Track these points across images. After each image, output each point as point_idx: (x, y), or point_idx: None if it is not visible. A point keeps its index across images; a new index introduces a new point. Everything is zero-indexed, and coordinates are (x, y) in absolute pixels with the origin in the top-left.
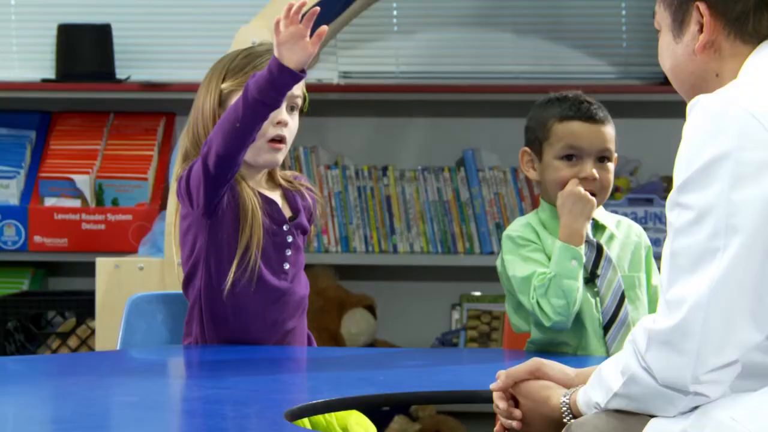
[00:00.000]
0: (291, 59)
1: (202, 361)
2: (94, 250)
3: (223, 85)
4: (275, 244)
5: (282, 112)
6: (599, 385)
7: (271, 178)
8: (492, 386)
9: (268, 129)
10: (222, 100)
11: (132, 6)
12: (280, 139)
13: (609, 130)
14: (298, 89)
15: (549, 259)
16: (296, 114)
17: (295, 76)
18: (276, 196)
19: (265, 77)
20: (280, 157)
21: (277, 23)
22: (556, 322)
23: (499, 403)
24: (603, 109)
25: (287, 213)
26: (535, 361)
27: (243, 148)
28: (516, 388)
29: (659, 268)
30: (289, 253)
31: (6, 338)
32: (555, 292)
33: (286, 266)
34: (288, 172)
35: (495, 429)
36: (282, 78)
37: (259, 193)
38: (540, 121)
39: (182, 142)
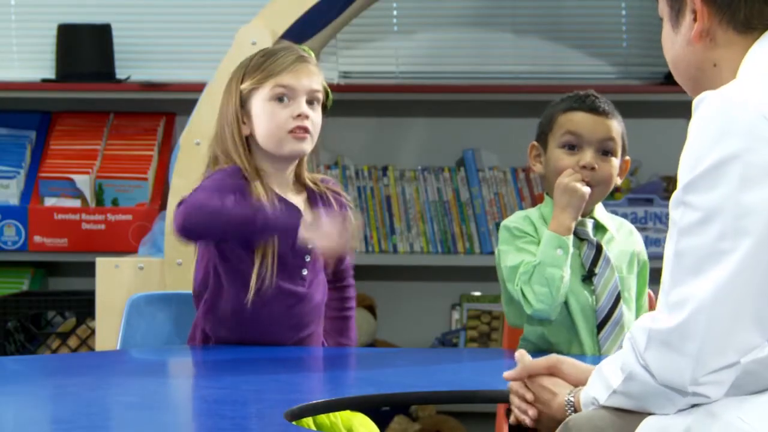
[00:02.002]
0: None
1: (202, 361)
2: (94, 250)
3: (243, 86)
4: (294, 250)
5: (302, 105)
6: (599, 381)
7: (298, 181)
8: (506, 374)
9: (288, 122)
10: (243, 101)
11: (132, 6)
12: (304, 130)
13: (614, 124)
14: (318, 84)
15: None
16: (318, 107)
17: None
18: (300, 200)
19: (272, 227)
20: (307, 147)
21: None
22: (537, 309)
23: (526, 394)
24: (610, 105)
25: (308, 217)
26: (554, 358)
27: (209, 238)
28: (529, 382)
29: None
30: (308, 259)
31: (6, 338)
32: (538, 279)
33: (305, 272)
34: (317, 175)
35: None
36: (283, 236)
37: (281, 197)
38: (548, 116)
39: (184, 150)
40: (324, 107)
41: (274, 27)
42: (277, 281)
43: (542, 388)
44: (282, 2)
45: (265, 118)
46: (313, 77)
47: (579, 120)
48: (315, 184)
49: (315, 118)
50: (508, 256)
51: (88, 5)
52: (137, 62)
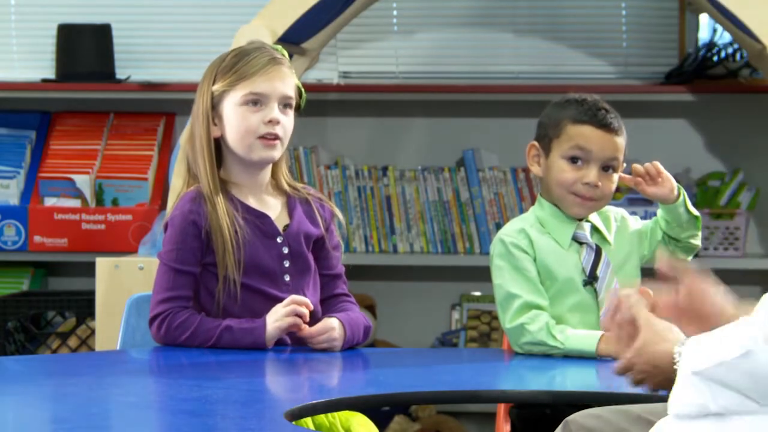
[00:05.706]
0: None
1: (203, 361)
2: (94, 250)
3: (214, 87)
4: (271, 257)
5: (273, 111)
6: (713, 347)
7: (277, 185)
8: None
9: (260, 127)
10: (214, 103)
11: (132, 6)
12: (274, 137)
13: (620, 141)
14: (290, 88)
15: (539, 270)
16: (290, 112)
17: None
18: (277, 204)
19: (239, 341)
20: (276, 153)
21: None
22: (522, 352)
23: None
24: (619, 120)
25: (285, 221)
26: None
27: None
28: (643, 312)
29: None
30: (287, 264)
31: (6, 338)
32: (538, 347)
33: (287, 278)
34: (299, 184)
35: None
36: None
37: (250, 208)
38: (554, 119)
39: (183, 150)
40: (297, 107)
41: (274, 27)
42: (261, 290)
43: (658, 323)
44: (282, 2)
45: (235, 121)
46: (287, 80)
47: (589, 135)
48: (295, 189)
49: (286, 123)
50: (503, 274)
51: (88, 5)
52: (137, 62)
